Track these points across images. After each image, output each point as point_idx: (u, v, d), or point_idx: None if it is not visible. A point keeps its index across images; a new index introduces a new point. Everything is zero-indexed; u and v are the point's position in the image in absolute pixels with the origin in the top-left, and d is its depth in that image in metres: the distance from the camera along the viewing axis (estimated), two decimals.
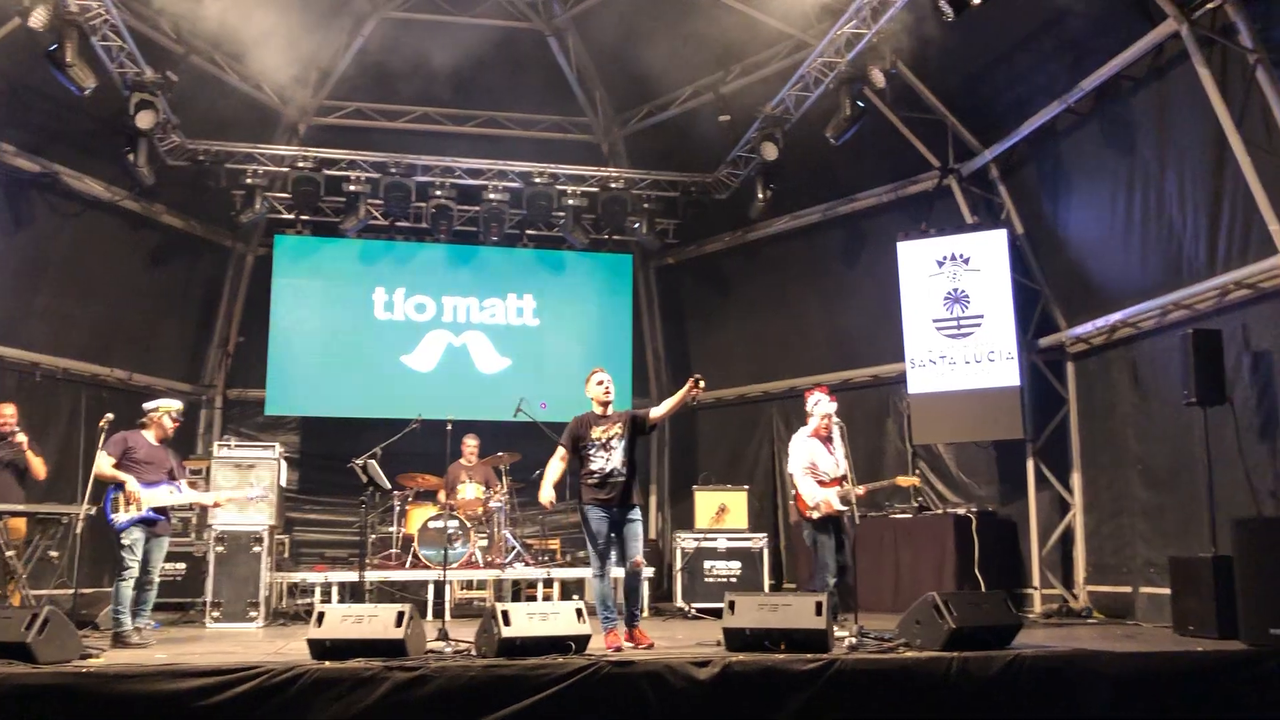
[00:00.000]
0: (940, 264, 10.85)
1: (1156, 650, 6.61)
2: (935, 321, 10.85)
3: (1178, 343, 8.51)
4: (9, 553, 7.98)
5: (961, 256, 10.76)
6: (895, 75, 9.80)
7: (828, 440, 8.22)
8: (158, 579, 8.06)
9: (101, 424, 7.67)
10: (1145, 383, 9.70)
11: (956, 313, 10.75)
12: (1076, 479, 10.62)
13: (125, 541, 7.66)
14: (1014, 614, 6.87)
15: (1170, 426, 9.18)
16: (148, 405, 8.26)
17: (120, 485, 7.74)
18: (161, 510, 7.88)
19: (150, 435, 8.12)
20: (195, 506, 10.36)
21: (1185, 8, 8.10)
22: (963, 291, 10.73)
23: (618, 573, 7.79)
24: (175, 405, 8.30)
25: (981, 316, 10.63)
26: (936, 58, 9.99)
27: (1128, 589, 9.82)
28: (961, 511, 10.69)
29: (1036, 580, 10.66)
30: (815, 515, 8.01)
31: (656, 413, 7.53)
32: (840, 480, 7.99)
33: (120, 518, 7.68)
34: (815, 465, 8.13)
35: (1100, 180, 9.80)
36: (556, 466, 7.49)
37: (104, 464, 7.77)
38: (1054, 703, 6.11)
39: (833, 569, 7.93)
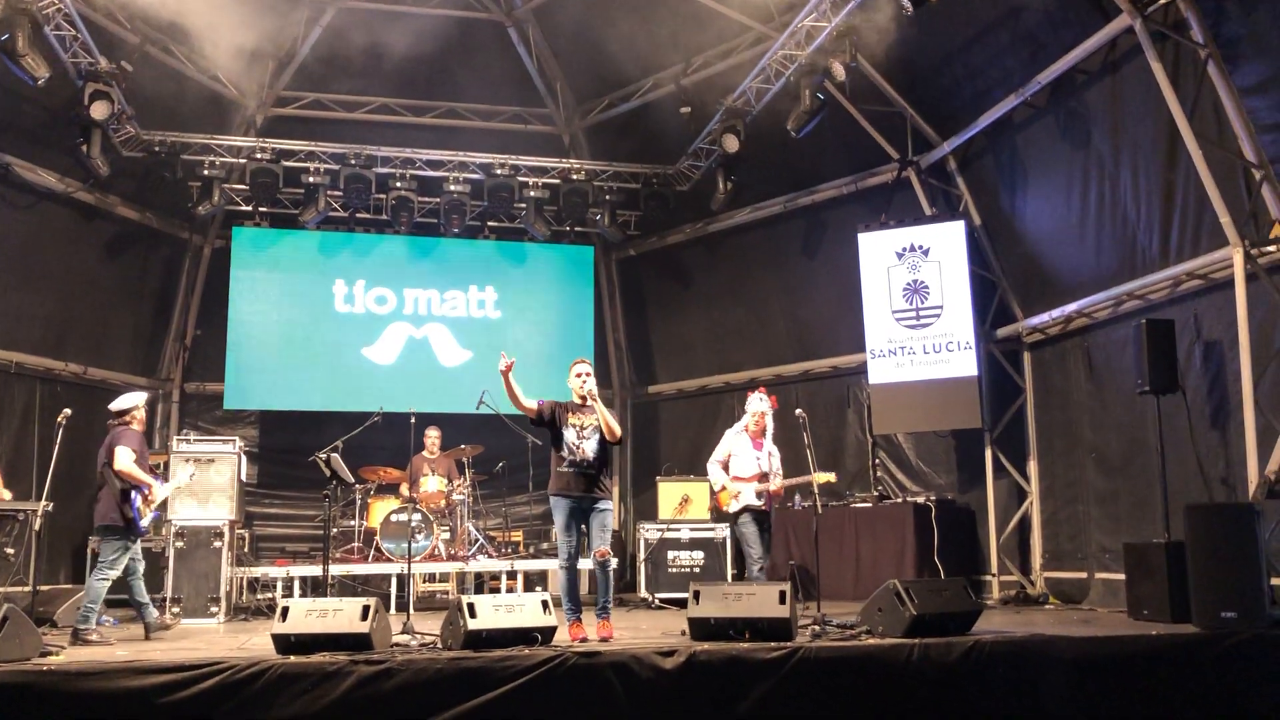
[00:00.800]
0: (900, 255, 10.96)
1: (1112, 634, 6.73)
2: (895, 312, 10.96)
3: (1131, 332, 8.70)
4: None
5: (921, 248, 10.87)
6: (855, 68, 9.86)
7: (759, 438, 8.40)
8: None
9: (60, 419, 7.56)
10: (1099, 372, 9.88)
11: (916, 303, 10.86)
12: (1033, 467, 10.79)
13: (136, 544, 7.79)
14: (974, 600, 6.99)
15: (1124, 415, 9.36)
16: (124, 404, 8.13)
17: (137, 486, 7.77)
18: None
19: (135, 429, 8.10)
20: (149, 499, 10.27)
21: (1138, 3, 8.23)
22: (922, 282, 10.84)
23: (585, 564, 7.79)
24: (143, 398, 8.31)
25: (940, 307, 10.75)
26: (895, 51, 10.06)
27: (1083, 575, 10.01)
28: (921, 500, 10.82)
29: (994, 567, 10.83)
30: (732, 509, 8.32)
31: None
32: (759, 477, 8.22)
33: (145, 520, 7.81)
34: (730, 459, 8.38)
35: (1056, 172, 9.95)
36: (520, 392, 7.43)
37: (131, 465, 7.76)
38: (1014, 686, 6.21)
39: (757, 555, 8.17)
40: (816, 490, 7.91)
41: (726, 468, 8.39)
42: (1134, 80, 8.67)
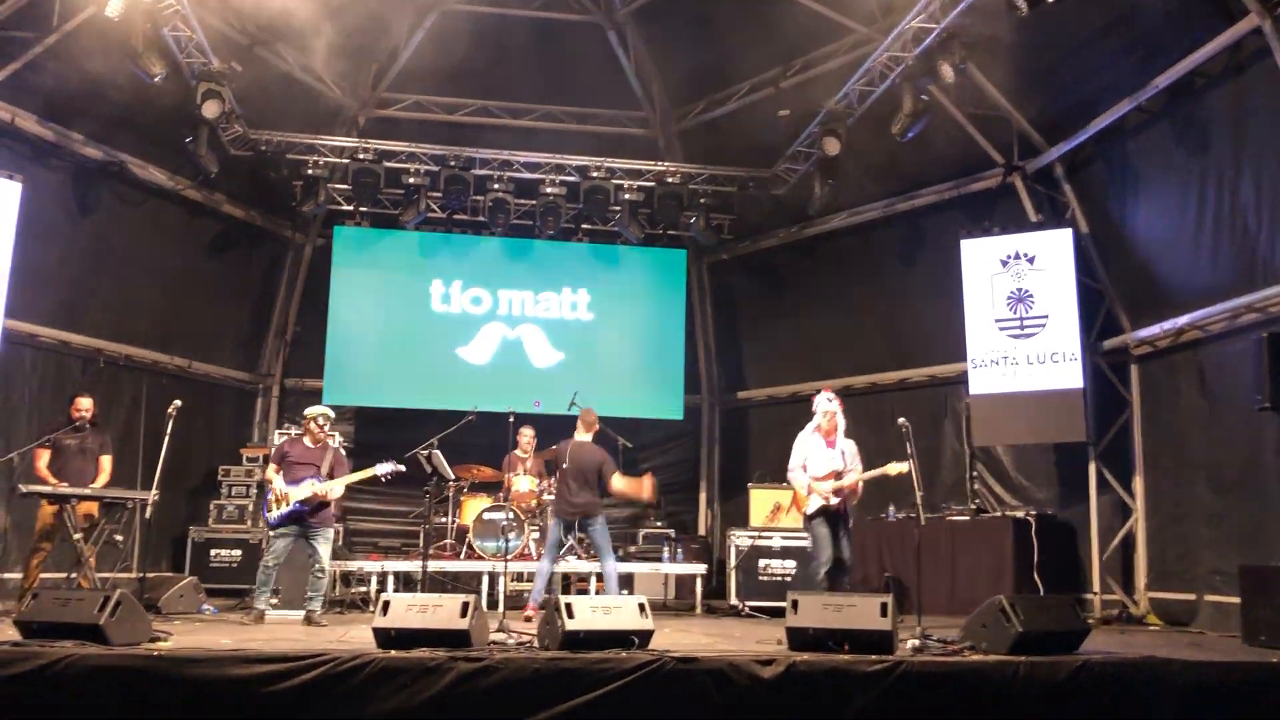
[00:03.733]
0: (1004, 263, 10.70)
1: (1228, 660, 6.45)
2: (998, 321, 10.70)
3: (1249, 346, 8.34)
4: (76, 535, 8.09)
5: (1026, 255, 10.60)
6: (965, 70, 9.64)
7: (831, 436, 8.46)
8: (326, 565, 8.50)
9: (170, 410, 7.77)
10: (1213, 387, 9.52)
11: (1020, 312, 10.60)
12: (1139, 483, 10.45)
13: (273, 535, 8.51)
14: (1081, 619, 6.76)
15: (1239, 431, 8.99)
16: (307, 411, 8.85)
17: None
18: (304, 502, 8.38)
19: (306, 439, 8.68)
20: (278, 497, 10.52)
21: (1267, 3, 7.91)
22: (1027, 291, 10.57)
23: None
24: (320, 411, 8.77)
25: (1046, 317, 10.47)
26: (1003, 53, 9.85)
27: (1191, 596, 9.64)
28: (1021, 514, 10.53)
29: (1096, 585, 10.49)
30: (809, 510, 8.39)
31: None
32: (834, 475, 8.31)
33: (271, 515, 8.45)
34: (807, 462, 8.44)
35: (1170, 180, 9.63)
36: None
37: (269, 471, 8.65)
38: (1122, 710, 5.99)
39: (824, 559, 8.26)
40: (920, 503, 7.74)
41: (804, 471, 8.44)
42: (1260, 84, 8.33)
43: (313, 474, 8.44)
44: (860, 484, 8.48)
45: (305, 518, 8.42)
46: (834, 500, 8.28)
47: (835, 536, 8.33)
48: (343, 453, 9.17)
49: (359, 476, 8.74)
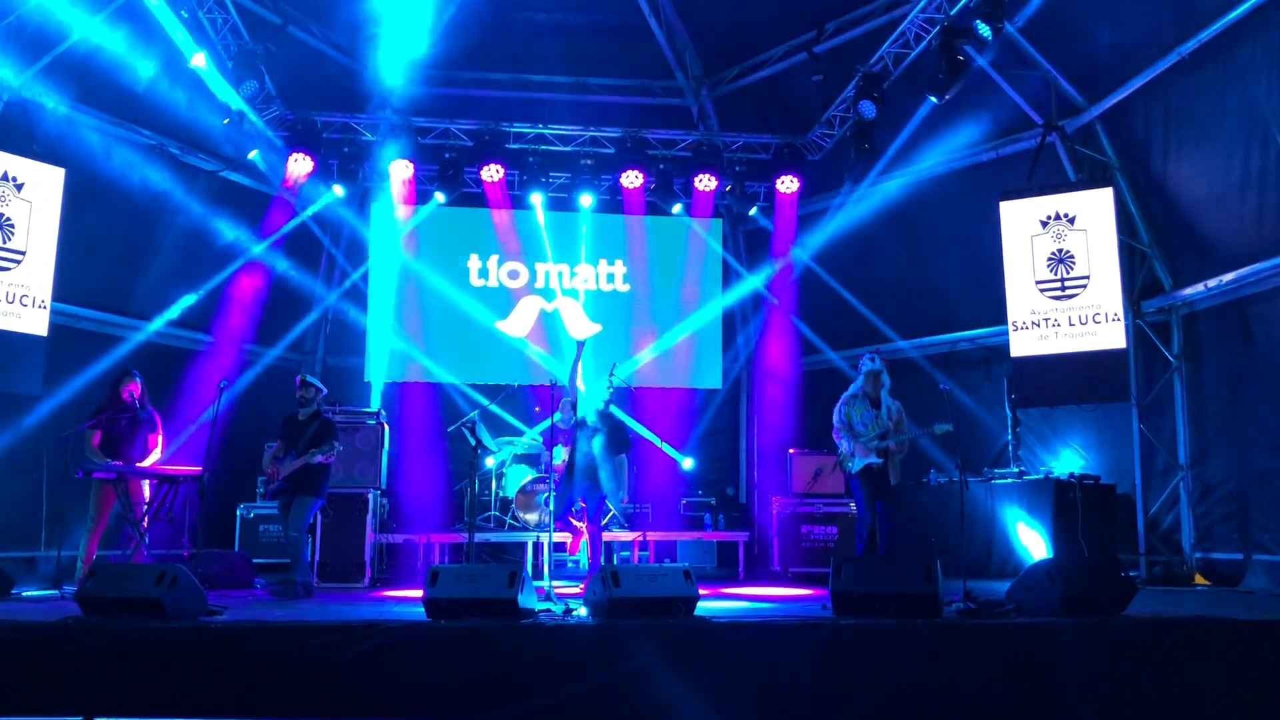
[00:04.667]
0: (1044, 224, 10.59)
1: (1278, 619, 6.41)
2: (1039, 283, 10.60)
3: None
4: (130, 513, 8.27)
5: (1066, 216, 10.49)
6: (1002, 29, 9.51)
7: (875, 397, 8.70)
8: (294, 535, 8.72)
9: (221, 386, 7.92)
10: (1260, 344, 9.40)
11: (1060, 274, 10.50)
12: (1184, 443, 10.35)
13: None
14: (1128, 580, 6.72)
15: None
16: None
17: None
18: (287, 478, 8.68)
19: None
20: None
21: None
22: (1068, 252, 10.46)
23: None
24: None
25: (1087, 277, 10.37)
26: (1040, 11, 9.71)
27: (1239, 556, 9.57)
28: (1064, 476, 10.47)
29: (1142, 546, 10.43)
30: (853, 469, 8.70)
31: None
32: (880, 437, 8.57)
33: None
34: (852, 423, 8.70)
35: (1213, 137, 9.48)
36: None
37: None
38: (1171, 669, 5.98)
39: (867, 520, 8.59)
40: (962, 465, 7.74)
41: (850, 432, 8.67)
42: None
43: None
44: (906, 444, 8.59)
45: (280, 491, 8.82)
46: (879, 461, 8.48)
47: (878, 496, 8.56)
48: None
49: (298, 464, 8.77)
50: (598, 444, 8.97)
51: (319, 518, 9.76)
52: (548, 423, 9.53)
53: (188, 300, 11.50)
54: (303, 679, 5.56)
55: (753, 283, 14.01)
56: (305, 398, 8.93)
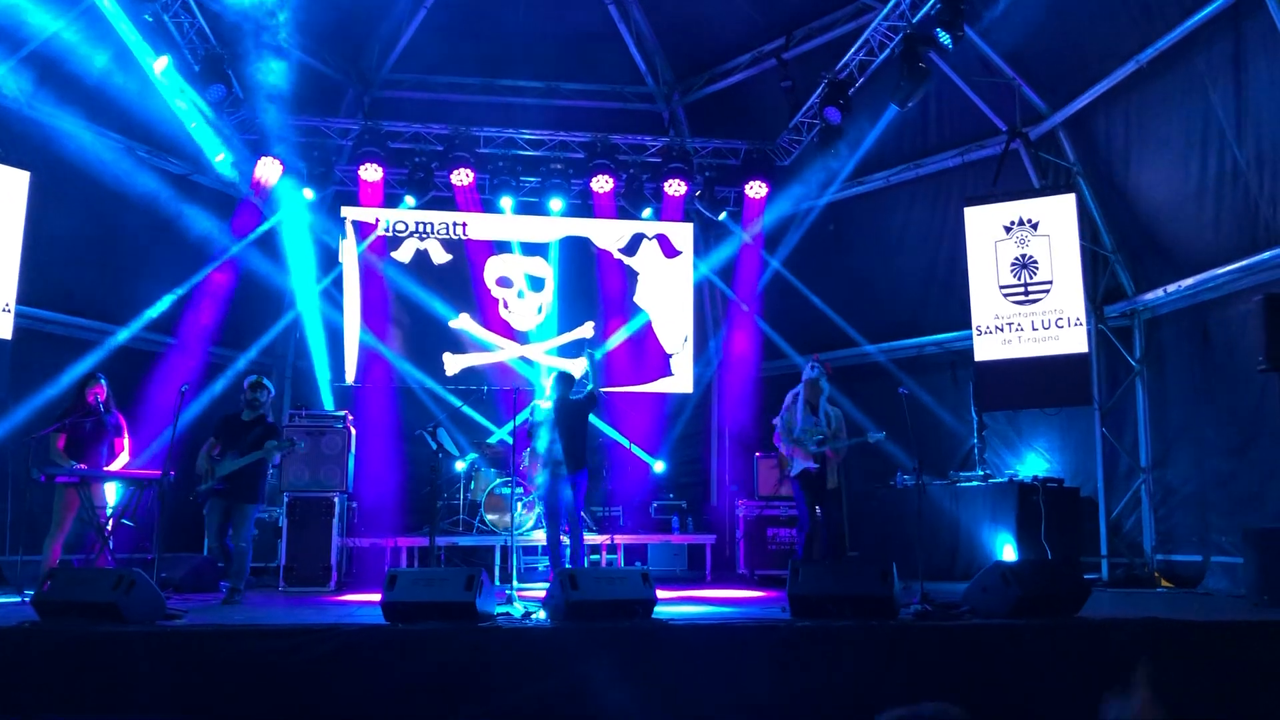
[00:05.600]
0: (1008, 229, 10.70)
1: (1233, 619, 6.51)
2: (1003, 288, 10.70)
3: (1252, 308, 8.33)
4: (92, 517, 8.24)
5: (1029, 221, 10.60)
6: (962, 37, 9.61)
7: (814, 403, 8.97)
8: (244, 546, 8.60)
9: (182, 390, 7.91)
10: (1218, 349, 9.52)
11: (1024, 279, 10.60)
12: (1145, 446, 10.46)
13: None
14: (1082, 581, 6.82)
15: (1244, 394, 9.01)
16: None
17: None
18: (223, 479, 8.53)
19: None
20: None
21: None
22: (1031, 257, 10.57)
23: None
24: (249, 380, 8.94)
25: (1050, 282, 10.48)
26: (1003, 18, 9.82)
27: (1198, 558, 9.69)
28: (1028, 479, 10.58)
29: (1105, 548, 10.55)
30: (791, 473, 8.94)
31: None
32: (817, 442, 8.80)
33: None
34: (791, 427, 8.93)
35: (1172, 143, 9.60)
36: None
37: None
38: (1125, 671, 6.05)
39: (804, 522, 8.80)
40: (919, 468, 7.83)
41: (790, 438, 8.92)
42: (1259, 45, 8.30)
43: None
44: (843, 451, 8.97)
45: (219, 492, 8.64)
46: (815, 466, 8.73)
47: (817, 500, 8.80)
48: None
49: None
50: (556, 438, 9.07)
51: (286, 521, 9.77)
52: (520, 419, 9.58)
53: (167, 300, 11.46)
54: (259, 683, 5.57)
55: (721, 286, 14.10)
56: (257, 400, 8.82)
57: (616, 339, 13.34)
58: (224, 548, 8.59)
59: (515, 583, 8.65)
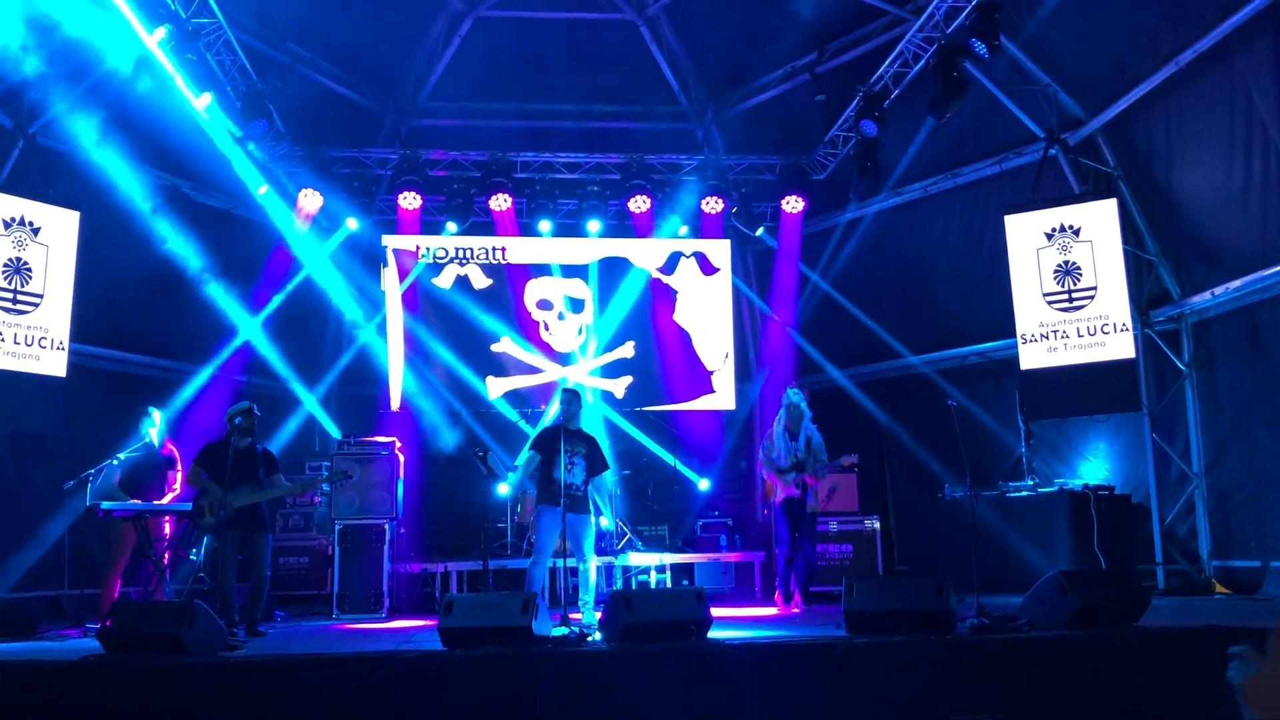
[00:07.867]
0: (1049, 236, 10.63)
1: None
2: (1046, 295, 10.63)
3: None
4: (151, 550, 8.38)
5: (1071, 228, 10.52)
6: (999, 47, 9.58)
7: (794, 429, 9.14)
8: (268, 574, 8.22)
9: (230, 420, 8.03)
10: (1269, 350, 9.41)
11: (1068, 285, 10.52)
12: (1197, 451, 10.34)
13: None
14: (1140, 590, 6.76)
15: None
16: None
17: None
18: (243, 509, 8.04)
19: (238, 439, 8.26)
20: (314, 499, 10.80)
21: None
22: (1074, 263, 10.49)
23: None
24: (241, 407, 8.39)
25: (1094, 288, 10.39)
26: (1039, 25, 9.79)
27: (1257, 563, 9.54)
28: (1078, 488, 10.48)
29: (1159, 556, 10.41)
30: (775, 499, 9.15)
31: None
32: (796, 467, 8.97)
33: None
34: (770, 456, 9.15)
35: (1215, 145, 9.51)
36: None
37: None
38: (1186, 680, 5.98)
39: (784, 550, 9.02)
40: (970, 480, 7.80)
41: (771, 466, 9.14)
42: None
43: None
44: (823, 473, 9.13)
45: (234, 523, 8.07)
46: (797, 493, 8.93)
47: (795, 527, 8.97)
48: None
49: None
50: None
51: (338, 549, 9.87)
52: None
53: (239, 340, 11.76)
54: (322, 712, 5.63)
55: (759, 303, 14.10)
56: (248, 428, 8.27)
57: (657, 358, 13.37)
58: (231, 584, 7.96)
59: (571, 605, 8.67)
